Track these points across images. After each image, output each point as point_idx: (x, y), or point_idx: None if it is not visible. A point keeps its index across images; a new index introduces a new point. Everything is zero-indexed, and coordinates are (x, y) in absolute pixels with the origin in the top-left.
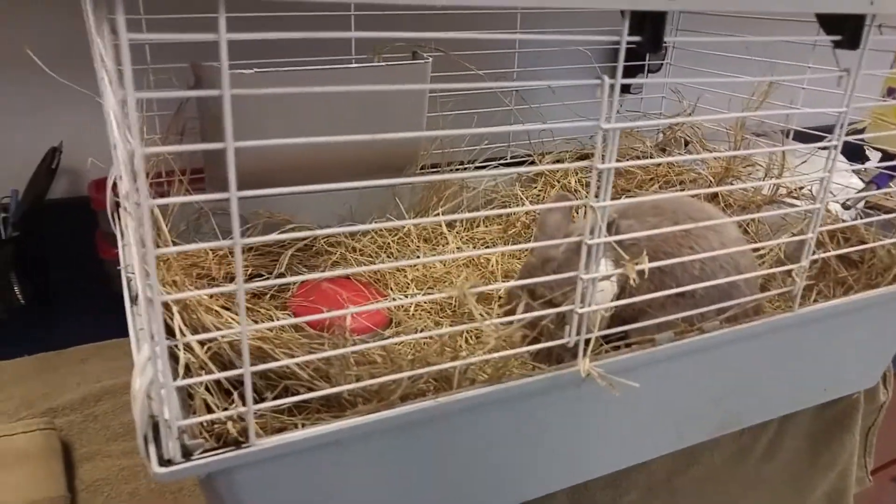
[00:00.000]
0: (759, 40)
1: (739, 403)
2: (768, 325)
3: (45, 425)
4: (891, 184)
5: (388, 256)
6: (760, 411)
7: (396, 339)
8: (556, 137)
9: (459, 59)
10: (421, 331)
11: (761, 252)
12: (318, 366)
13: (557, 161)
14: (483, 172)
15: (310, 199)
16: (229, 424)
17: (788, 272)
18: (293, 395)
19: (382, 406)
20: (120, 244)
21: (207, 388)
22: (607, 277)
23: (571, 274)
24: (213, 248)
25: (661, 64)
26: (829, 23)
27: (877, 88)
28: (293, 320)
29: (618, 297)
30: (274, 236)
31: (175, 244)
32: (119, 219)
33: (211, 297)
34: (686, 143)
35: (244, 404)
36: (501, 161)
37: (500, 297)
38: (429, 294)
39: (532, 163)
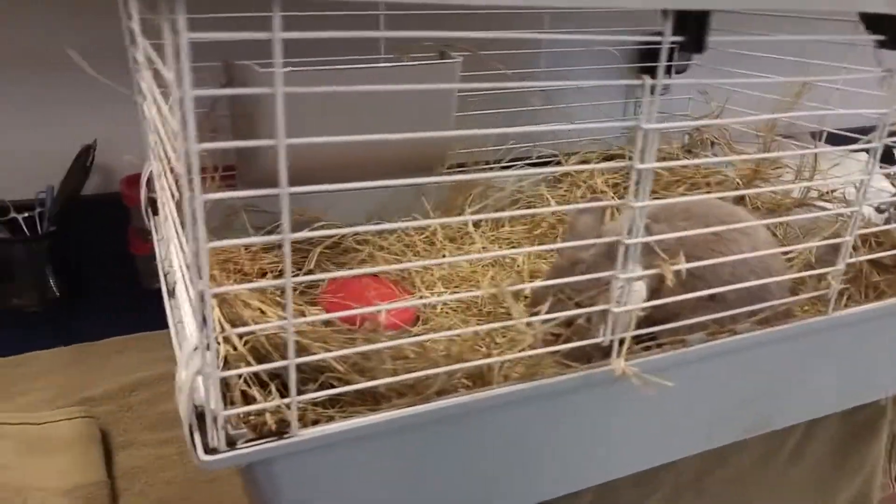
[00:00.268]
0: (795, 39)
1: (769, 406)
2: (802, 327)
3: (85, 413)
4: None
5: (415, 255)
6: (790, 414)
7: (435, 336)
8: (582, 138)
9: (487, 58)
10: (449, 328)
11: (790, 255)
12: (356, 360)
13: (584, 161)
14: (516, 172)
15: (338, 197)
16: (267, 415)
17: (822, 275)
18: (328, 388)
19: (418, 400)
20: (155, 239)
21: (246, 380)
22: (642, 278)
23: (606, 274)
24: (250, 244)
25: (687, 64)
26: (872, 22)
27: None
28: (335, 314)
29: (648, 300)
30: (319, 233)
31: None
32: (153, 214)
33: (255, 291)
34: (712, 145)
35: (281, 396)
36: (527, 161)
37: (525, 297)
38: (458, 292)
39: (558, 163)
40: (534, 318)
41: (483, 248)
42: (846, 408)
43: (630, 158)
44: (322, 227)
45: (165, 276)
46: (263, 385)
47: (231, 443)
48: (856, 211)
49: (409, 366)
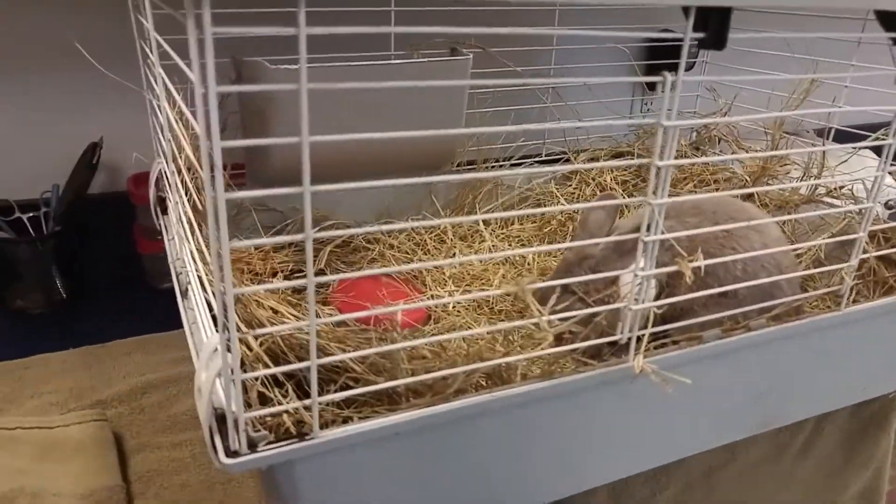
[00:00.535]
0: (810, 36)
1: (780, 401)
2: (815, 323)
3: (98, 416)
4: None
5: (425, 253)
6: (800, 409)
7: (454, 335)
8: (590, 135)
9: (497, 55)
10: (461, 326)
11: (799, 251)
12: (373, 360)
13: (593, 159)
14: (528, 171)
15: (346, 194)
16: (285, 417)
17: (832, 271)
18: (345, 388)
19: (436, 400)
20: (165, 239)
21: (263, 382)
22: (660, 274)
23: (626, 271)
24: (261, 245)
25: (695, 61)
26: (888, 20)
27: None
28: (354, 315)
29: (658, 297)
30: (341, 232)
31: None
32: (162, 213)
33: (273, 291)
34: (719, 141)
35: (298, 397)
36: (537, 158)
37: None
38: (470, 290)
39: (568, 160)
40: (554, 317)
41: (493, 245)
42: (856, 402)
43: (640, 156)
44: (333, 226)
45: (178, 276)
46: (279, 385)
47: (252, 445)
48: (869, 207)
49: (427, 365)
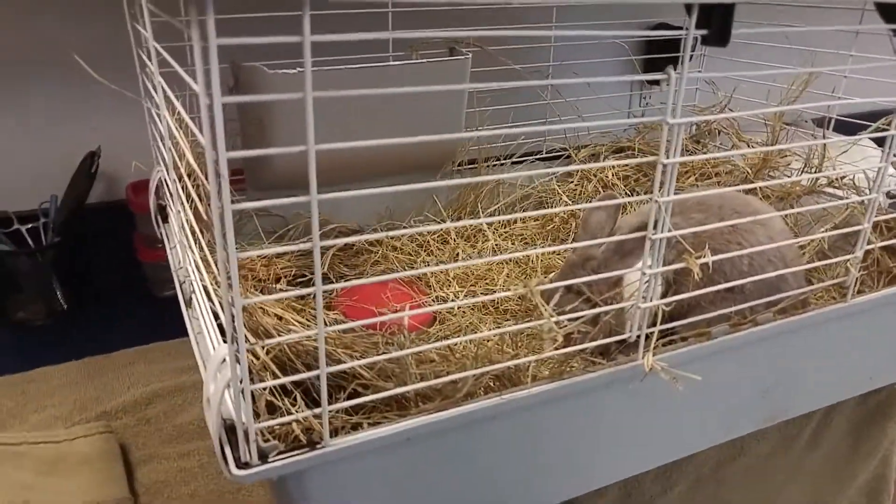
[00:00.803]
0: (805, 30)
1: (788, 394)
2: (822, 315)
3: (104, 429)
4: None
5: (428, 255)
6: (808, 401)
7: (464, 338)
8: (591, 131)
9: (496, 53)
10: (469, 327)
11: (802, 243)
12: (383, 365)
13: (594, 155)
14: (530, 172)
15: (348, 198)
16: (294, 426)
17: (838, 263)
18: (354, 395)
19: (446, 404)
20: (167, 247)
21: (272, 391)
22: (668, 272)
23: (633, 269)
24: (268, 254)
25: (693, 54)
26: (888, 12)
27: None
28: (362, 322)
29: (664, 294)
30: (348, 239)
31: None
32: (163, 222)
33: (282, 300)
34: (719, 134)
35: (306, 404)
36: (538, 156)
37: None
38: (475, 291)
39: (568, 157)
40: (563, 317)
41: (496, 245)
42: (862, 392)
43: (640, 151)
44: (335, 230)
45: (181, 285)
46: (287, 393)
47: (262, 456)
48: (873, 198)
49: (436, 369)
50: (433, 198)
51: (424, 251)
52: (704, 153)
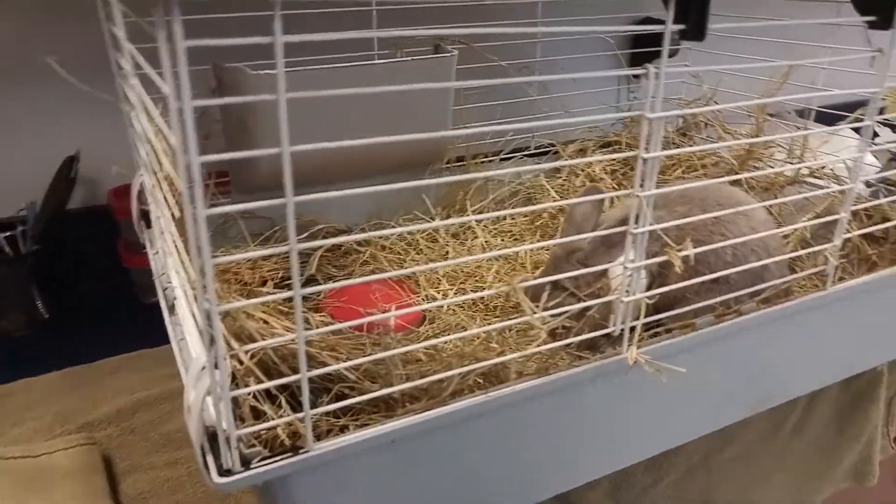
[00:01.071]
0: (789, 23)
1: (772, 382)
2: (803, 304)
3: (85, 440)
4: None
5: (417, 253)
6: (792, 388)
7: (448, 338)
8: (578, 126)
9: (482, 50)
10: (457, 325)
11: (786, 233)
12: (367, 367)
13: (581, 150)
14: (517, 168)
15: (335, 198)
16: (279, 430)
17: (819, 251)
18: (340, 396)
19: (432, 404)
20: (150, 253)
21: (255, 396)
22: (650, 265)
23: (615, 264)
24: (245, 259)
25: (678, 48)
26: (862, 4)
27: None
28: (346, 324)
29: (649, 287)
30: (328, 241)
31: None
32: (146, 227)
33: (269, 303)
34: (705, 125)
35: (292, 408)
36: (526, 153)
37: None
38: (465, 289)
39: (556, 152)
40: (547, 313)
41: (485, 241)
42: (846, 377)
43: (627, 145)
44: (322, 230)
45: (164, 291)
46: (272, 397)
47: (245, 462)
48: (851, 188)
49: (422, 369)
50: (422, 196)
51: (413, 250)
52: (689, 146)
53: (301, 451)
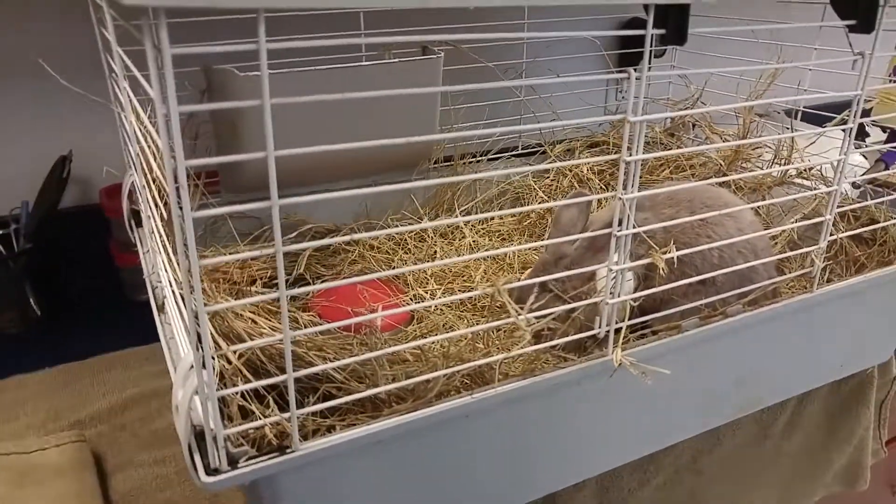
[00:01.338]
0: (771, 27)
1: (760, 384)
2: (790, 306)
3: (76, 437)
4: None
5: (405, 252)
6: (780, 390)
7: (434, 339)
8: (566, 126)
9: (469, 51)
10: (445, 325)
11: (774, 234)
12: (354, 367)
13: (569, 150)
14: (505, 171)
15: (321, 199)
16: (267, 430)
17: (806, 252)
18: (327, 396)
19: (419, 404)
20: (141, 252)
21: (243, 395)
22: (634, 268)
23: (600, 266)
24: (232, 260)
25: (665, 49)
26: (842, 8)
27: (882, 67)
28: (333, 325)
29: (636, 289)
30: (314, 243)
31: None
32: (137, 226)
33: (257, 303)
34: (693, 126)
35: (280, 410)
36: (514, 153)
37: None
38: (452, 289)
39: (544, 152)
40: (532, 315)
41: (473, 241)
42: (835, 379)
43: (615, 146)
44: (311, 230)
45: (154, 290)
46: (260, 397)
47: (233, 461)
48: (834, 190)
49: (409, 369)
50: (410, 196)
51: (402, 249)
52: (677, 146)
53: (288, 450)
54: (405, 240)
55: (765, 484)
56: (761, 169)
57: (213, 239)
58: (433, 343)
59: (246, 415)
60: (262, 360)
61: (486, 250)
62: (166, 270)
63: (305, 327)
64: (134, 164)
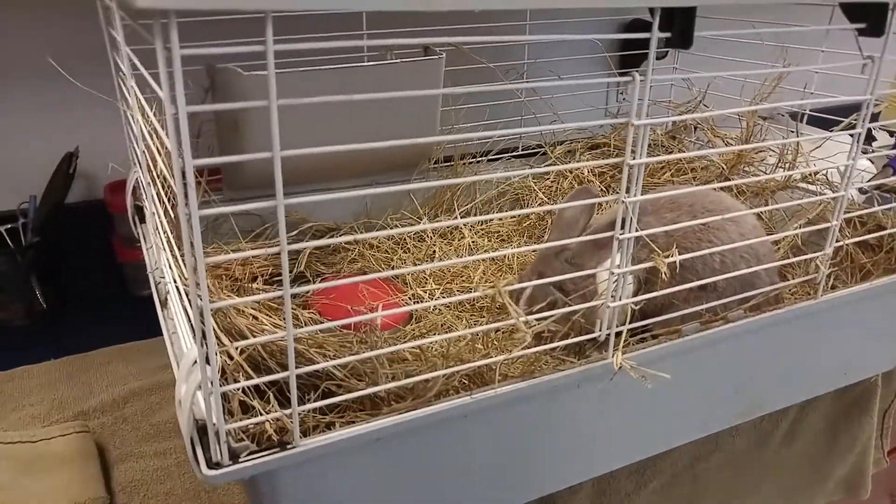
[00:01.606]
0: (777, 31)
1: (761, 390)
2: (792, 312)
3: (81, 428)
4: None
5: (405, 252)
6: (782, 397)
7: (435, 339)
8: (567, 127)
9: (470, 52)
10: (443, 325)
11: (777, 239)
12: (354, 365)
13: (570, 152)
14: (505, 174)
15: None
16: (267, 425)
17: (811, 259)
18: (327, 394)
19: (418, 403)
20: (144, 248)
21: (244, 391)
22: (636, 271)
23: (601, 269)
24: (237, 258)
25: (667, 51)
26: (852, 11)
27: (890, 71)
28: (334, 323)
29: (636, 293)
30: (316, 242)
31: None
32: (140, 222)
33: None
34: (695, 129)
35: (280, 403)
36: (514, 154)
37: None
38: (452, 289)
39: (545, 153)
40: (532, 317)
41: (473, 242)
42: (837, 387)
43: (616, 147)
44: (311, 229)
45: (157, 285)
46: (261, 393)
47: (234, 456)
48: (842, 196)
49: (408, 368)
50: (410, 195)
51: (401, 248)
52: (679, 151)
53: (288, 446)
54: (404, 239)
55: (764, 490)
56: (765, 173)
57: (215, 236)
58: (432, 343)
59: (247, 410)
60: (264, 356)
61: (485, 251)
62: (170, 267)
63: (306, 324)
64: (139, 161)
